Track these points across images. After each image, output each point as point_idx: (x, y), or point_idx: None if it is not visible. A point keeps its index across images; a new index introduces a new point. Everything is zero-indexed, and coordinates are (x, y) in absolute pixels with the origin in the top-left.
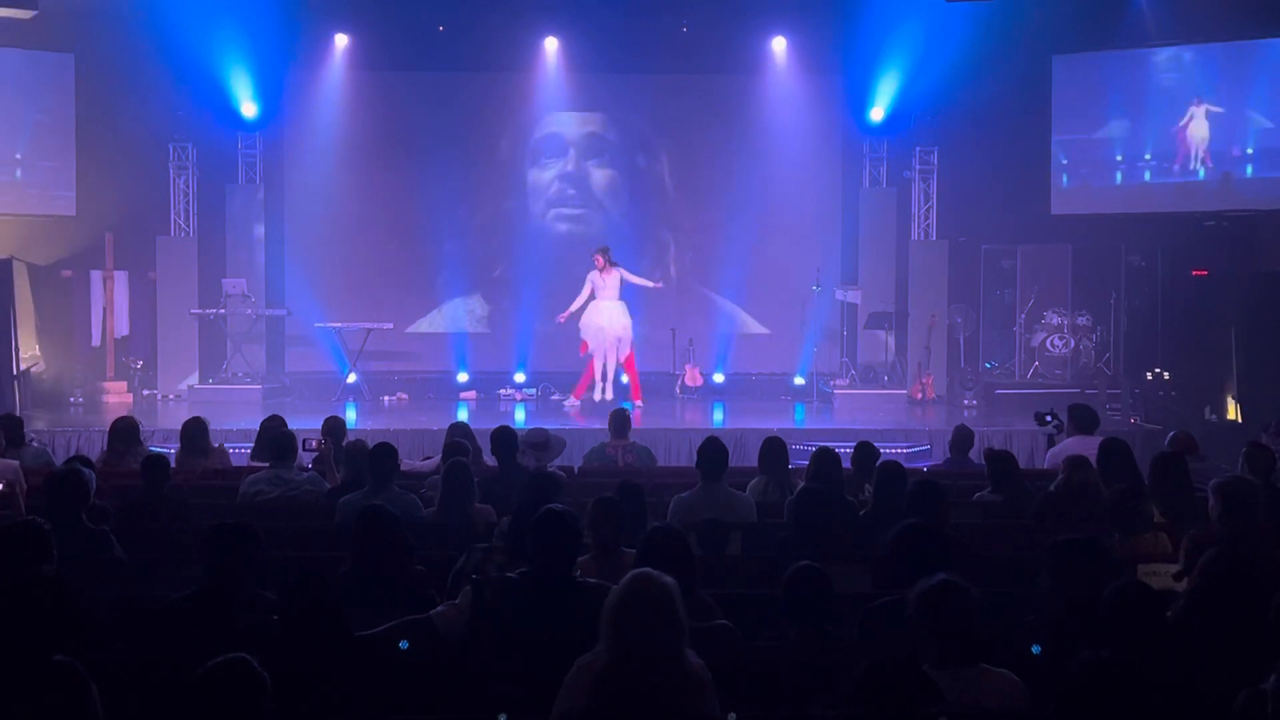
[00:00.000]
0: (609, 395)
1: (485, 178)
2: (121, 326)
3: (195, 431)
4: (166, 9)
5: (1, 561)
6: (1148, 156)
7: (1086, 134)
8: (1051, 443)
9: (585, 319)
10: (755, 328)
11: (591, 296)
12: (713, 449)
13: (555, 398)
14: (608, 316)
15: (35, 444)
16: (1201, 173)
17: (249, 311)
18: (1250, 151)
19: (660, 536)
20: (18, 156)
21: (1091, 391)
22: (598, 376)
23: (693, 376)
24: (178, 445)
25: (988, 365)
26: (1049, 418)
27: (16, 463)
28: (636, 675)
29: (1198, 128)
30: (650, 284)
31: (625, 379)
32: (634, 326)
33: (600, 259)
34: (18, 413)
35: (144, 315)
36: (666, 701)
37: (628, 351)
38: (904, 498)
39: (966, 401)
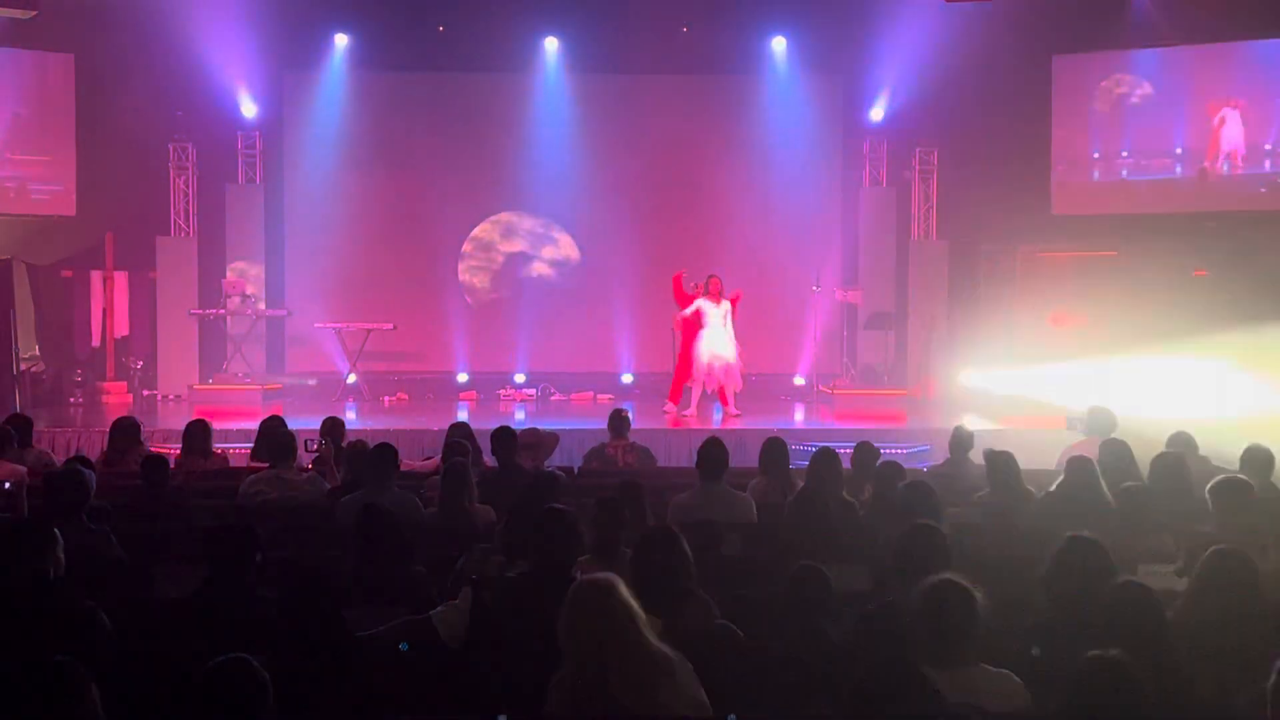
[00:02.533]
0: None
1: (485, 177)
2: (121, 326)
3: (198, 432)
4: (166, 9)
5: (5, 561)
6: (1125, 156)
7: (1086, 134)
8: None
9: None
10: (755, 327)
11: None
12: (713, 449)
13: (555, 397)
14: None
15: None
16: (1225, 168)
17: (249, 311)
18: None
19: (653, 538)
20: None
21: None
22: (714, 392)
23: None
24: (178, 445)
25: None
26: (1080, 421)
27: (24, 468)
28: (603, 676)
29: (1231, 129)
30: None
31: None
32: (636, 328)
33: (718, 283)
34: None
35: (144, 315)
36: (640, 697)
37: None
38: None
39: None
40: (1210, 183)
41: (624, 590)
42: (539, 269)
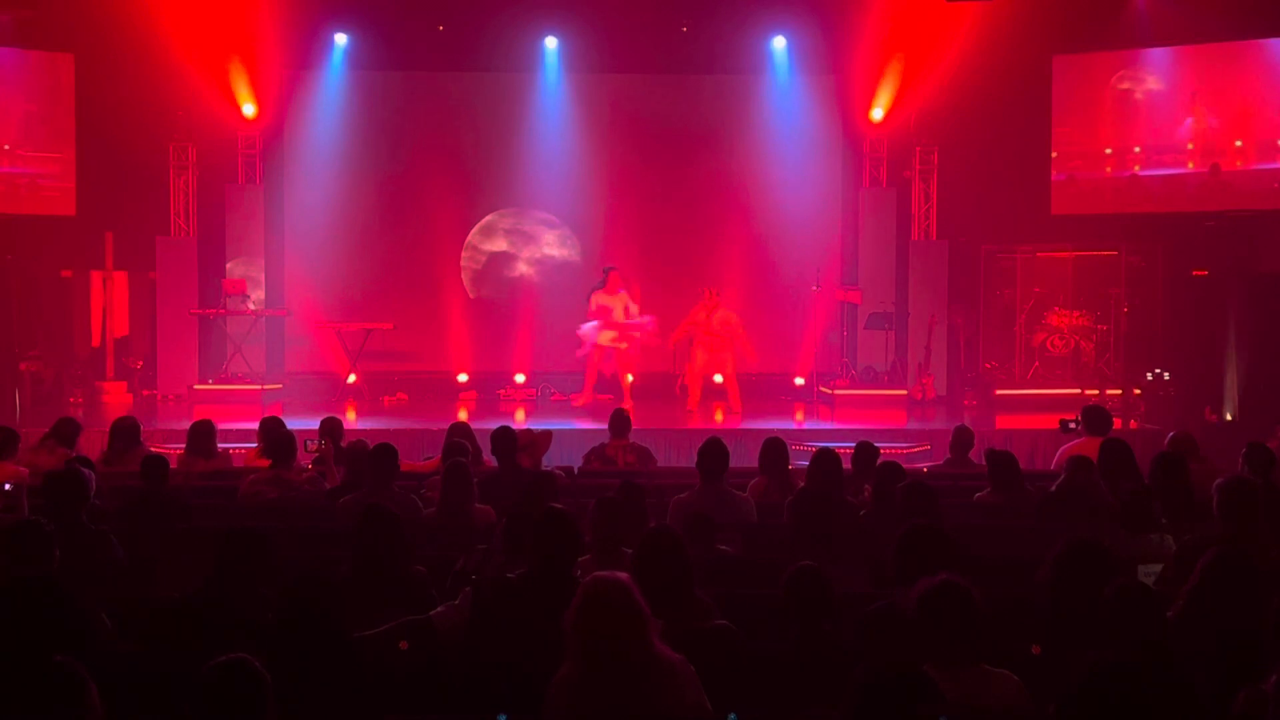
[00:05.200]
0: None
1: (485, 178)
2: (121, 326)
3: (203, 432)
4: (165, 8)
5: (2, 561)
6: (1138, 152)
7: (1086, 133)
8: None
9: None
10: (755, 327)
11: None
12: (713, 449)
13: (555, 398)
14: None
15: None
16: (1190, 165)
17: (249, 311)
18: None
19: (655, 538)
20: (5, 148)
21: (1092, 392)
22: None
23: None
24: (178, 445)
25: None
26: (1073, 424)
27: (26, 469)
28: (607, 678)
29: (1200, 131)
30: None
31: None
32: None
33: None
34: (17, 415)
35: (144, 315)
36: (643, 699)
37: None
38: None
39: (966, 402)
40: (1223, 180)
41: (637, 591)
42: (538, 269)
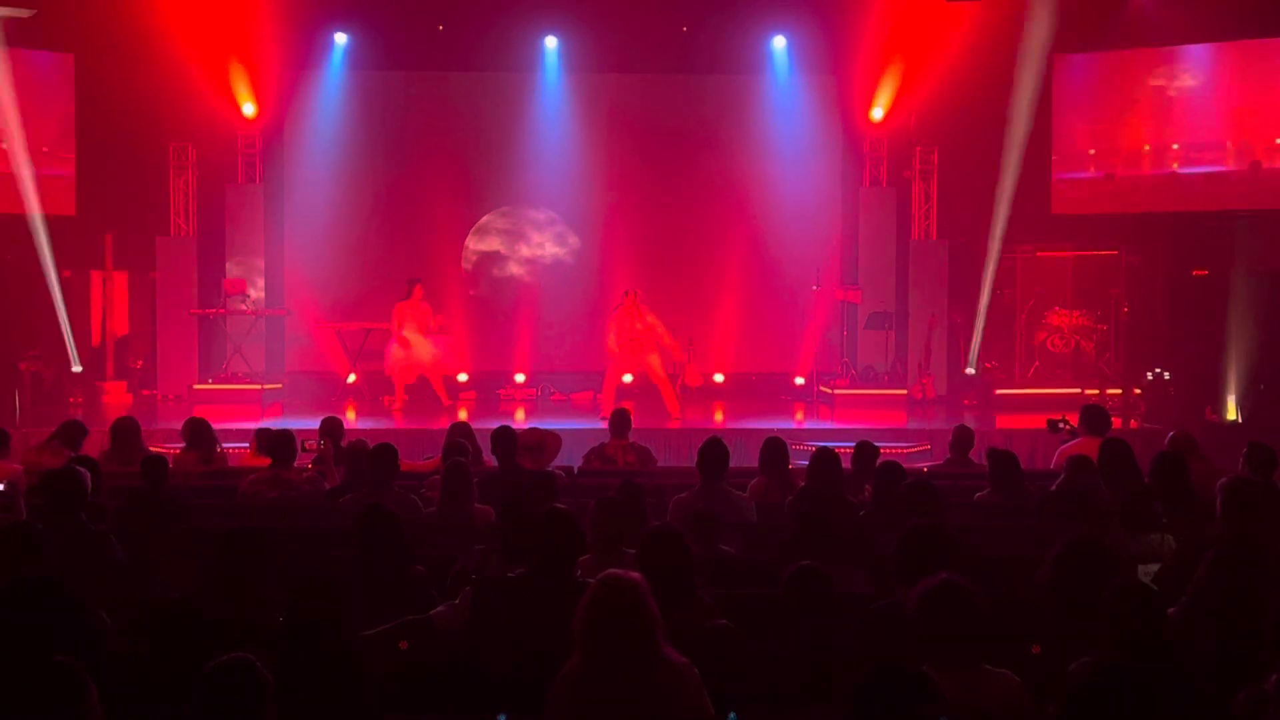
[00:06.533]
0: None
1: (485, 177)
2: (121, 326)
3: (197, 430)
4: (166, 8)
5: (3, 562)
6: (1176, 149)
7: (1086, 133)
8: None
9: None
10: (755, 327)
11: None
12: (713, 449)
13: (555, 397)
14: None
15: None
16: (1176, 165)
17: (249, 311)
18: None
19: (658, 537)
20: (44, 150)
21: (1092, 392)
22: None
23: (693, 376)
24: (178, 445)
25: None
26: (1061, 424)
27: (19, 466)
28: (613, 677)
29: (1238, 128)
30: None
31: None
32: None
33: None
34: (16, 415)
35: (144, 315)
36: (648, 700)
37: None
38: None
39: (966, 401)
40: (1263, 177)
41: (649, 592)
42: (538, 269)
